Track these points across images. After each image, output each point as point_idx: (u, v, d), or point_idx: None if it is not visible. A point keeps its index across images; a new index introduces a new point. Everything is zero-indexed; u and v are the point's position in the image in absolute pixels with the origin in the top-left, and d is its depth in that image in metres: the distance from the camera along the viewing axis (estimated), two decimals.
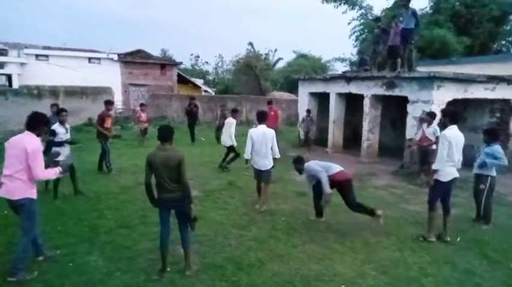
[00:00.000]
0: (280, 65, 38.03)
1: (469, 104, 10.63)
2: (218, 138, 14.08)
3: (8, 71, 22.96)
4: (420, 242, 5.36)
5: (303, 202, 6.92)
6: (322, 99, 14.07)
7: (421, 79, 9.55)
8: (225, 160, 9.65)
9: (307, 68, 32.48)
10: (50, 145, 6.43)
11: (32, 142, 3.99)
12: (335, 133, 13.09)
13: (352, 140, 13.84)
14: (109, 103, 9.32)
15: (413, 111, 9.70)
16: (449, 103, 9.16)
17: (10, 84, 22.20)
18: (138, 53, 26.46)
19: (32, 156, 3.92)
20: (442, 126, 6.05)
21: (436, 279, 4.38)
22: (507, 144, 10.01)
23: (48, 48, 24.76)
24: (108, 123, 8.96)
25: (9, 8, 73.83)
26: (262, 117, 6.66)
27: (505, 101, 10.32)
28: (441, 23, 19.67)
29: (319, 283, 4.21)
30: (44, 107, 9.27)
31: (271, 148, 6.51)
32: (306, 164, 6.04)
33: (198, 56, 41.00)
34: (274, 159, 6.63)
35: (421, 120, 8.95)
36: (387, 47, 11.49)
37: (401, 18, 11.39)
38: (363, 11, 21.07)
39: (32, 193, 4.10)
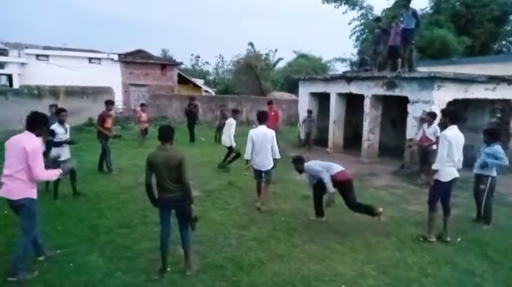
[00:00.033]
0: (281, 65, 38.14)
1: (470, 104, 10.63)
2: (216, 139, 14.15)
3: (8, 71, 23.00)
4: (420, 243, 5.36)
5: (303, 202, 6.92)
6: (322, 99, 14.06)
7: (421, 79, 9.55)
8: (225, 160, 9.66)
9: (308, 68, 32.48)
10: (50, 145, 6.44)
11: (32, 142, 3.99)
12: (335, 133, 13.09)
13: (352, 140, 13.84)
14: (109, 103, 9.32)
15: (414, 112, 9.69)
16: (449, 103, 9.16)
17: (11, 84, 22.24)
18: (139, 53, 26.48)
19: (32, 156, 3.92)
20: (442, 126, 6.05)
21: (437, 279, 4.37)
22: (507, 144, 10.00)
23: (49, 48, 24.79)
24: (108, 123, 8.96)
25: (9, 8, 73.97)
26: (262, 118, 6.66)
27: (506, 101, 10.32)
28: (442, 23, 19.67)
29: (320, 283, 4.21)
30: (45, 107, 9.28)
31: (272, 148, 6.52)
32: (306, 164, 6.05)
33: (199, 56, 41.18)
34: (275, 159, 6.63)
35: (422, 121, 8.94)
36: (388, 47, 11.49)
37: (401, 19, 11.39)
38: (363, 11, 21.10)
39: (32, 193, 4.10)
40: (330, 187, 5.65)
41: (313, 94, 14.34)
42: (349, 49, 56.83)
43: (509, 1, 20.22)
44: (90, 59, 24.88)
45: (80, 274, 4.20)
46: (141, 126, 13.28)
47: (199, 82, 31.63)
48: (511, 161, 7.40)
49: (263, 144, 6.46)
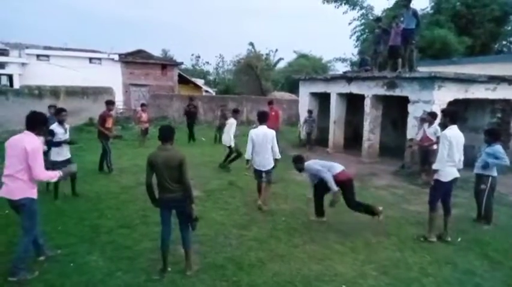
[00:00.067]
0: (281, 65, 38.18)
1: (470, 104, 10.63)
2: (216, 139, 14.17)
3: (9, 71, 23.03)
4: (421, 243, 5.36)
5: (303, 202, 6.92)
6: (323, 99, 14.06)
7: (422, 79, 9.54)
8: (226, 160, 9.66)
9: (308, 68, 32.48)
10: (49, 145, 6.43)
11: (32, 142, 3.99)
12: (336, 133, 13.09)
13: (353, 140, 13.83)
14: (110, 103, 9.33)
15: (414, 112, 9.69)
16: (450, 103, 9.15)
17: (11, 84, 22.26)
18: (139, 53, 26.50)
19: (32, 156, 3.92)
20: (443, 126, 6.05)
21: (437, 279, 4.37)
22: (508, 144, 10.00)
23: (49, 48, 24.82)
24: (109, 123, 8.96)
25: (9, 8, 74.02)
26: (263, 118, 6.66)
27: (506, 101, 10.31)
28: (442, 23, 19.67)
29: (320, 283, 4.21)
30: (45, 107, 9.25)
31: (272, 148, 6.52)
32: (307, 164, 6.03)
33: (199, 56, 41.23)
34: (275, 159, 6.63)
35: (422, 121, 8.94)
36: (388, 47, 11.49)
37: (402, 19, 11.39)
38: (363, 11, 21.10)
39: (33, 193, 4.10)
40: (334, 186, 5.64)
41: (313, 94, 14.34)
42: (350, 49, 56.84)
43: (509, 1, 20.22)
44: (90, 59, 24.91)
45: (80, 274, 4.20)
46: (142, 126, 13.29)
47: (200, 82, 31.64)
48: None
49: (263, 144, 6.46)
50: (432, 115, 8.37)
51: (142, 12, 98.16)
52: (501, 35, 21.78)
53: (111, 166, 9.00)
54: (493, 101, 10.35)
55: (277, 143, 6.77)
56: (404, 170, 9.85)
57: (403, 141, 10.25)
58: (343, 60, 27.46)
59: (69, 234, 5.27)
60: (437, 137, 7.36)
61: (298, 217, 6.28)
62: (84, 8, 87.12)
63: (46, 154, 5.88)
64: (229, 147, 9.54)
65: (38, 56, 23.79)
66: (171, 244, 4.31)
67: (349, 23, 22.24)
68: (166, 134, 4.11)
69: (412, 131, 9.67)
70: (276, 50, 36.17)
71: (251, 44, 33.92)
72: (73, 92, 17.22)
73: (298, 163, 6.07)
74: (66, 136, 6.83)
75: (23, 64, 23.27)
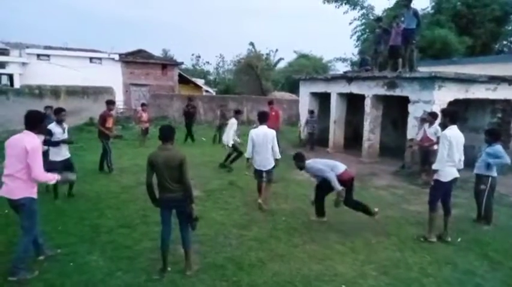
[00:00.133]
0: (281, 65, 38.18)
1: (471, 104, 10.62)
2: (216, 139, 14.16)
3: (9, 71, 23.05)
4: (421, 243, 5.35)
5: (303, 202, 6.92)
6: (323, 99, 14.06)
7: (422, 79, 9.54)
8: (227, 159, 9.67)
9: (308, 68, 32.48)
10: (47, 144, 6.42)
11: (32, 141, 3.99)
12: (336, 133, 13.09)
13: (353, 140, 13.84)
14: (110, 103, 9.34)
15: (415, 112, 9.69)
16: (450, 103, 9.15)
17: (12, 84, 22.27)
18: (139, 53, 26.51)
19: (31, 155, 3.92)
20: (443, 126, 6.05)
21: (437, 279, 4.37)
22: (508, 144, 9.99)
23: (50, 48, 24.83)
24: (109, 123, 8.97)
25: (9, 8, 74.08)
26: (263, 118, 6.67)
27: (507, 102, 10.30)
28: (442, 23, 19.66)
29: (320, 283, 4.21)
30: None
31: (272, 148, 6.52)
32: (307, 162, 5.98)
33: (199, 56, 41.24)
34: (276, 159, 6.63)
35: (423, 121, 8.94)
36: (388, 47, 11.48)
37: (402, 19, 11.40)
38: (364, 11, 21.10)
39: (33, 193, 4.10)
40: (338, 186, 5.63)
41: (313, 94, 14.34)
42: (350, 49, 56.83)
43: (510, 1, 20.20)
44: (91, 58, 24.92)
45: (80, 274, 4.21)
46: (142, 126, 13.29)
47: (200, 82, 31.65)
48: None
49: (263, 144, 6.46)
50: (432, 115, 8.37)
51: (142, 12, 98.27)
52: (502, 35, 21.77)
53: (111, 165, 9.00)
54: (493, 101, 10.35)
55: (278, 143, 6.78)
56: (404, 170, 9.84)
57: (403, 142, 10.25)
58: (344, 60, 27.50)
59: (69, 234, 5.27)
60: (438, 137, 7.37)
61: (298, 217, 6.28)
62: (84, 8, 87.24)
63: (45, 154, 5.88)
64: (232, 146, 9.53)
65: (38, 55, 23.80)
66: (171, 243, 4.32)
67: (350, 23, 22.30)
68: (167, 134, 4.12)
69: (412, 131, 9.66)
70: (276, 50, 36.26)
71: (251, 44, 33.97)
72: (73, 92, 17.24)
73: (299, 160, 6.02)
74: (65, 136, 6.82)
75: (24, 64, 23.29)
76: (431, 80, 9.21)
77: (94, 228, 5.52)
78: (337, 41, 62.85)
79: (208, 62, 41.59)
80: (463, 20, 20.47)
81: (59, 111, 6.93)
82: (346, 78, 12.45)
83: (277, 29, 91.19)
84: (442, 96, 9.17)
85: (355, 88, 11.98)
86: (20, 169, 3.95)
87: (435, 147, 7.70)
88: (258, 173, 6.69)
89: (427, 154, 8.38)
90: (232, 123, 9.59)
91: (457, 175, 5.34)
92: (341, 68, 37.01)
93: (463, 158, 5.37)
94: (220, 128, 13.72)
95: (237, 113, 10.11)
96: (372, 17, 20.29)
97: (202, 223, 5.33)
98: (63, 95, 16.46)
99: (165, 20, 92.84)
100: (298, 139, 14.59)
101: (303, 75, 16.24)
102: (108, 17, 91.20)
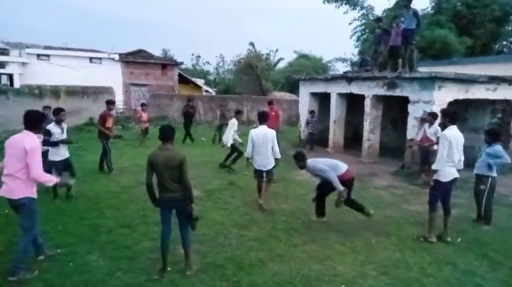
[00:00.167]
0: (281, 65, 38.16)
1: (470, 104, 10.62)
2: (215, 139, 14.16)
3: (9, 71, 23.04)
4: (421, 243, 5.35)
5: (303, 202, 6.92)
6: (323, 99, 14.06)
7: (422, 79, 9.54)
8: (227, 159, 9.66)
9: (308, 68, 32.49)
10: (46, 144, 6.42)
11: (31, 141, 3.99)
12: (336, 133, 13.09)
13: (353, 140, 13.84)
14: (110, 103, 9.33)
15: (414, 112, 9.69)
16: (450, 103, 9.15)
17: (11, 84, 22.26)
18: (139, 53, 26.51)
19: (31, 155, 3.92)
20: (442, 126, 6.05)
21: (437, 279, 4.37)
22: (508, 144, 9.99)
23: (50, 48, 24.83)
24: (109, 123, 8.97)
25: (9, 8, 74.10)
26: (263, 118, 6.67)
27: (507, 102, 10.30)
28: (442, 24, 19.66)
29: (320, 283, 4.21)
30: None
31: (272, 148, 6.52)
32: (308, 161, 5.95)
33: (199, 56, 41.21)
34: (276, 159, 6.63)
35: (423, 121, 8.94)
36: (388, 48, 11.48)
37: (402, 19, 11.39)
38: (364, 11, 21.10)
39: (32, 193, 4.10)
40: (339, 186, 5.62)
41: (313, 94, 14.34)
42: (350, 49, 56.84)
43: (510, 1, 20.20)
44: (91, 58, 24.92)
45: (80, 274, 4.20)
46: (142, 126, 13.29)
47: (200, 82, 31.65)
48: None
49: (263, 144, 6.46)
50: (432, 115, 8.37)
51: (142, 12, 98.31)
52: (502, 35, 21.77)
53: (111, 165, 9.00)
54: (493, 102, 10.35)
55: (278, 143, 6.78)
56: (404, 170, 9.84)
57: (403, 142, 10.25)
58: (344, 60, 27.51)
59: (69, 234, 5.27)
60: (438, 138, 7.37)
61: (298, 217, 6.28)
62: (84, 8, 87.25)
63: (45, 154, 5.88)
64: (232, 146, 9.53)
65: (38, 55, 23.80)
66: (171, 243, 4.32)
67: (350, 23, 22.31)
68: (167, 134, 4.12)
69: (412, 131, 9.66)
70: (276, 50, 36.23)
71: (251, 44, 33.95)
72: (73, 92, 17.23)
73: (300, 160, 5.97)
74: (64, 136, 6.82)
75: (24, 64, 23.28)
76: (431, 80, 9.21)
77: (94, 228, 5.52)
78: (337, 41, 62.98)
79: (208, 62, 41.61)
80: (463, 21, 20.48)
81: (58, 112, 6.92)
82: (346, 78, 12.44)
83: (277, 29, 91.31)
84: (442, 97, 9.17)
85: (355, 88, 11.98)
86: (20, 169, 3.95)
87: (435, 147, 7.70)
88: (258, 173, 6.69)
89: (426, 154, 8.38)
90: (233, 123, 9.60)
91: (456, 175, 5.34)
92: (341, 68, 36.97)
93: (462, 158, 5.37)
94: (220, 128, 13.73)
95: (238, 113, 10.14)
96: (371, 17, 20.28)
97: (202, 223, 5.33)
98: (63, 95, 16.45)
99: (165, 20, 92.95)
100: (298, 139, 14.59)
101: (303, 76, 16.24)
102: (108, 17, 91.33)
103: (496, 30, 20.71)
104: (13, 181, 3.98)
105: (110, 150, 8.96)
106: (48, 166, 6.22)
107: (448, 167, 5.21)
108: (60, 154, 6.69)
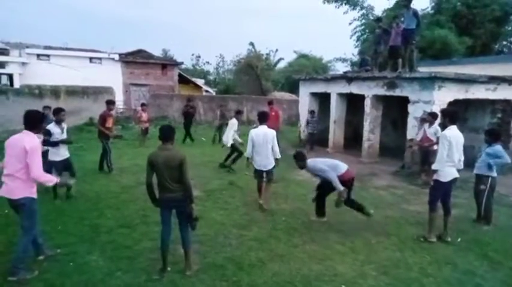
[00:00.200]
0: (281, 65, 38.16)
1: (470, 104, 10.62)
2: (215, 139, 14.16)
3: (9, 71, 23.04)
4: (421, 243, 5.36)
5: (303, 202, 6.92)
6: (323, 99, 14.06)
7: (422, 79, 9.54)
8: (227, 159, 9.66)
9: (308, 68, 32.49)
10: (46, 145, 6.42)
11: (31, 141, 3.99)
12: (336, 133, 13.09)
13: (353, 140, 13.84)
14: (110, 103, 9.33)
15: (414, 112, 9.69)
16: (450, 103, 9.15)
17: (11, 84, 22.26)
18: (139, 53, 26.50)
19: (31, 155, 3.92)
20: (442, 126, 6.04)
21: (437, 279, 4.37)
22: (508, 144, 9.99)
23: (50, 48, 24.82)
24: (109, 123, 8.97)
25: (9, 8, 74.09)
26: (263, 118, 6.67)
27: (507, 102, 10.30)
28: (442, 24, 19.67)
29: (320, 283, 4.21)
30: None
31: (272, 148, 6.52)
32: (308, 161, 5.95)
33: (199, 56, 41.20)
34: (276, 159, 6.63)
35: (423, 121, 8.94)
36: (388, 48, 11.49)
37: (402, 19, 11.39)
38: (364, 11, 21.11)
39: (32, 193, 4.10)
40: (339, 186, 5.62)
41: (313, 94, 14.34)
42: (350, 49, 56.82)
43: (510, 1, 20.20)
44: (91, 58, 24.91)
45: (80, 274, 4.20)
46: (142, 126, 13.29)
47: (200, 82, 31.64)
48: None
49: (263, 144, 6.46)
50: (432, 115, 8.37)
51: (142, 12, 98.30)
52: (502, 35, 21.78)
53: (111, 165, 9.00)
54: (493, 102, 10.35)
55: (278, 143, 6.78)
56: (404, 170, 9.85)
57: (403, 142, 10.25)
58: (344, 60, 27.52)
59: (69, 234, 5.27)
60: (437, 138, 7.37)
61: (298, 217, 6.28)
62: (84, 8, 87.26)
63: (45, 154, 5.88)
64: (232, 146, 9.53)
65: (38, 55, 23.79)
66: (171, 243, 4.32)
67: (350, 23, 22.33)
68: (167, 134, 4.12)
69: (412, 131, 9.66)
70: (276, 50, 36.22)
71: (251, 44, 33.94)
72: (73, 92, 17.22)
73: (300, 159, 5.96)
74: (64, 136, 6.82)
75: (24, 64, 23.27)
76: (431, 80, 9.21)
77: (94, 228, 5.52)
78: (337, 41, 62.95)
79: (208, 62, 41.61)
80: (463, 21, 20.48)
81: (58, 112, 6.92)
82: (346, 78, 12.44)
83: (277, 29, 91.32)
84: (442, 97, 9.17)
85: (355, 88, 11.98)
86: (20, 169, 3.95)
87: (435, 147, 7.70)
88: (258, 173, 6.69)
89: (426, 154, 8.38)
90: (233, 123, 9.60)
91: (456, 175, 5.34)
92: (341, 68, 36.96)
93: (462, 158, 5.37)
94: (220, 128, 13.73)
95: (238, 113, 10.15)
96: (371, 17, 20.29)
97: (202, 223, 5.33)
98: (63, 95, 16.45)
99: (165, 20, 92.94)
100: (298, 139, 14.59)
101: (303, 76, 16.24)
102: (108, 17, 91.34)
103: (496, 30, 20.72)
104: (13, 181, 3.98)
105: (110, 150, 8.96)
106: (48, 166, 6.22)
107: (448, 167, 5.21)
108: (60, 154, 6.69)
